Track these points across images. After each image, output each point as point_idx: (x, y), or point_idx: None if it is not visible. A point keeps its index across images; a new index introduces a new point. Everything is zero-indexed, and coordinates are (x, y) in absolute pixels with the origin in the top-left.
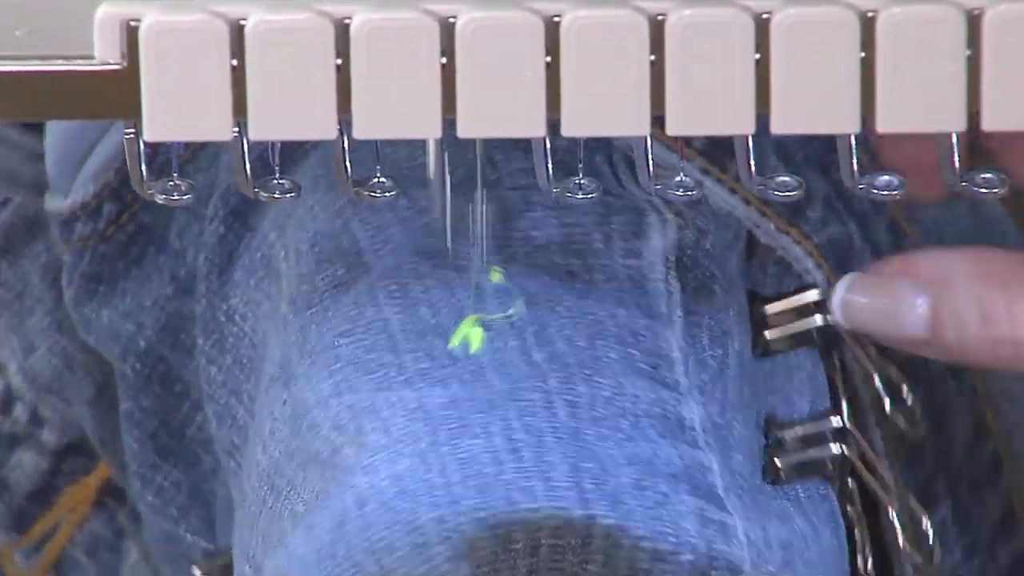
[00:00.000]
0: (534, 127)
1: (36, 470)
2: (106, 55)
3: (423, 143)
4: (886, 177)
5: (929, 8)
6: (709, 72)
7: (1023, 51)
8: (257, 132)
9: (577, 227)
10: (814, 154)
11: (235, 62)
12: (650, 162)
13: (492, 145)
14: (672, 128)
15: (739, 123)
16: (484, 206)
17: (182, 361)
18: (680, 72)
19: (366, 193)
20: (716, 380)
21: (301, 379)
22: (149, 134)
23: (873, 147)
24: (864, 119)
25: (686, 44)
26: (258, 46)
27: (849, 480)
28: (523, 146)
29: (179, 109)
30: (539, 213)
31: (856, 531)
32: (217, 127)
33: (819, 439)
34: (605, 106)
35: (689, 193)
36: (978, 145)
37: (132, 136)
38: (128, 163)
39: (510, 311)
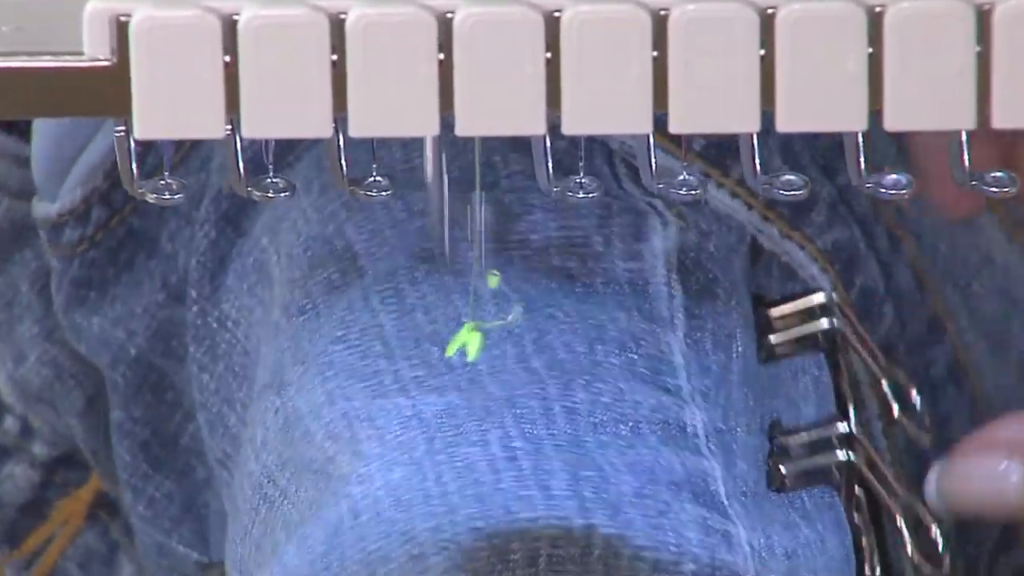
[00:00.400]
0: (534, 125)
1: (28, 483)
2: (96, 51)
3: (418, 144)
4: (894, 176)
5: (938, 3)
6: (713, 68)
7: None
8: (251, 130)
9: (576, 229)
10: (817, 156)
11: (228, 58)
12: (652, 160)
13: (490, 147)
14: (675, 126)
15: (744, 121)
16: (482, 208)
17: (174, 369)
18: (683, 68)
19: (361, 192)
20: (719, 385)
21: (294, 386)
22: (140, 132)
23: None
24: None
25: (689, 39)
26: (251, 42)
27: (856, 487)
28: (521, 147)
29: (171, 106)
30: (538, 215)
31: (863, 540)
32: (210, 125)
33: (825, 445)
34: (607, 103)
35: (693, 192)
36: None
37: (123, 134)
38: (119, 162)
39: (508, 317)
